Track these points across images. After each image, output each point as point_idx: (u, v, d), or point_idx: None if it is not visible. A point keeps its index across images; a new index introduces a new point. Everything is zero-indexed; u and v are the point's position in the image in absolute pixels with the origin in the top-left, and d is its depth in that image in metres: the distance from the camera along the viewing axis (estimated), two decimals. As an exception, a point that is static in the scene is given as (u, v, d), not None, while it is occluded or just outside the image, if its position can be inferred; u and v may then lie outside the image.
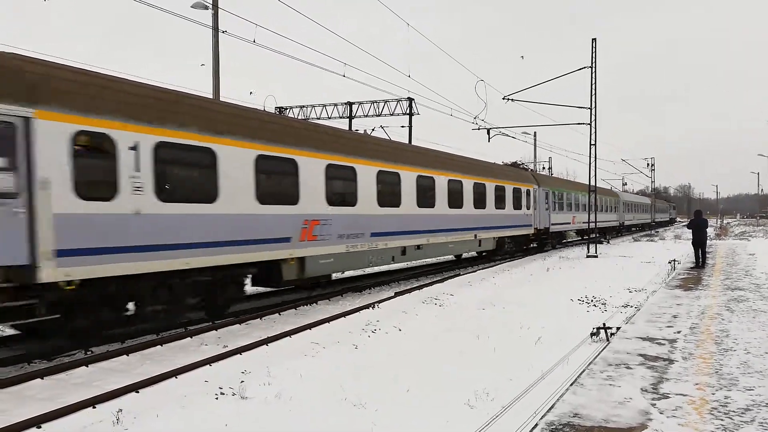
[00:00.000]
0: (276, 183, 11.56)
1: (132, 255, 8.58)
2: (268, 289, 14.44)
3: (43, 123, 7.51)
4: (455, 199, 18.56)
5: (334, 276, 15.39)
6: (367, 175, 14.09)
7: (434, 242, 17.45)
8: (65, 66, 8.41)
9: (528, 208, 25.19)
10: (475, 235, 20.18)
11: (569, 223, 31.33)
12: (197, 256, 9.63)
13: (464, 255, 22.81)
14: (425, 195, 16.76)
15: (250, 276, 11.75)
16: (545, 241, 28.69)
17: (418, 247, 16.70)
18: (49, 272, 7.50)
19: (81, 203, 7.93)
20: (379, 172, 14.61)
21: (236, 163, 10.36)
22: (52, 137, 7.61)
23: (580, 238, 37.52)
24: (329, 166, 12.81)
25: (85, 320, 8.46)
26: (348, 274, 18.24)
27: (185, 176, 9.64)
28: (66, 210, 7.75)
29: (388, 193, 15.00)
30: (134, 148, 8.64)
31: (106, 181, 8.33)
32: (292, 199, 11.81)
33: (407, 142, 30.34)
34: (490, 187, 21.24)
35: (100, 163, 8.32)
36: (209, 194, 9.88)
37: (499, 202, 22.10)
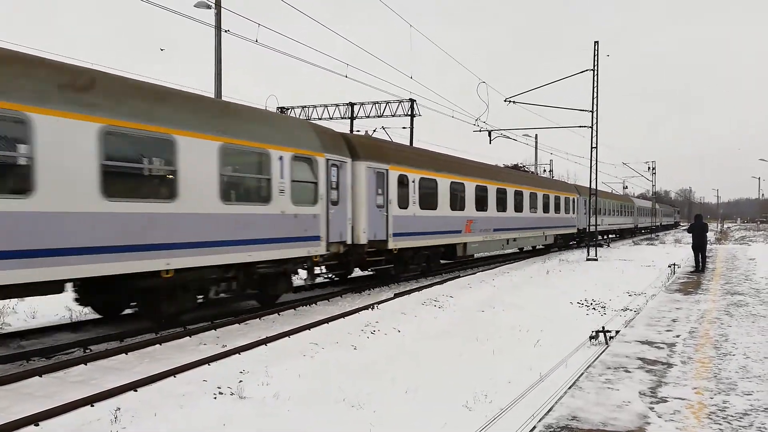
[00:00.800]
0: (459, 196, 19.06)
1: (415, 236, 16.37)
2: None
3: (392, 172, 15.41)
4: (533, 206, 26.39)
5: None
6: (492, 191, 21.84)
7: (522, 236, 25.23)
8: (367, 137, 17.04)
9: (573, 213, 32.90)
10: (543, 232, 27.85)
11: (599, 225, 37.67)
12: (436, 238, 17.68)
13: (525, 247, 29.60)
14: (518, 204, 24.50)
15: (443, 251, 18.86)
16: (584, 238, 34.29)
17: (515, 239, 24.46)
18: (391, 243, 15.14)
19: (401, 210, 15.57)
20: (498, 189, 22.32)
21: (448, 187, 18.23)
22: (392, 177, 15.31)
23: (605, 237, 44.07)
24: (477, 186, 20.48)
25: (403, 266, 16.51)
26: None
27: (425, 194, 16.97)
28: (396, 214, 15.37)
29: (501, 202, 22.63)
30: (404, 181, 15.94)
31: (406, 199, 15.93)
32: (462, 206, 19.27)
33: (409, 143, 30.39)
34: (551, 197, 29.05)
35: (405, 189, 15.90)
36: (434, 205, 17.45)
37: (557, 208, 29.83)
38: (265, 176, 11.01)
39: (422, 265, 17.57)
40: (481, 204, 20.54)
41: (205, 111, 10.20)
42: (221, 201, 10.00)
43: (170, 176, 9.21)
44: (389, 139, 22.09)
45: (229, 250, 10.21)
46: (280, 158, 11.28)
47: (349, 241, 13.68)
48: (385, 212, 14.91)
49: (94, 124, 8.10)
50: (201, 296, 10.48)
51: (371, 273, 16.17)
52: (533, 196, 26.27)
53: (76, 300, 10.07)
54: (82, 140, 7.93)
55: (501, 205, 22.51)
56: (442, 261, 19.41)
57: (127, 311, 10.88)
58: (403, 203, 15.72)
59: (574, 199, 33.07)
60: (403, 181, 15.76)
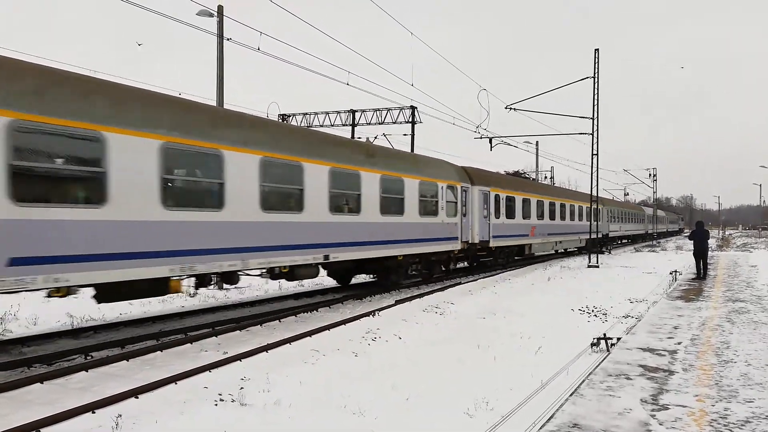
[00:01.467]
0: (527, 209, 25.23)
1: (504, 238, 22.24)
2: (272, 296, 14.97)
3: (492, 192, 21.37)
4: (572, 215, 32.97)
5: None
6: (547, 204, 28.22)
7: (565, 239, 31.78)
8: (478, 169, 21.74)
9: (600, 221, 39.08)
10: (578, 237, 34.12)
11: (617, 231, 46.75)
12: (515, 240, 23.95)
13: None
14: (562, 214, 30.99)
15: (516, 249, 25.41)
16: (604, 242, 39.82)
17: (560, 242, 31.15)
18: (492, 243, 21.05)
19: (495, 220, 21.46)
20: (549, 203, 28.70)
21: (522, 202, 24.33)
22: (492, 196, 21.23)
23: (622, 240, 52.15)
24: (537, 201, 26.84)
25: (501, 257, 23.18)
26: (356, 279, 18.49)
27: (508, 207, 23.05)
28: (493, 222, 21.39)
29: (551, 213, 29.01)
30: (498, 199, 21.99)
31: (498, 211, 21.99)
32: (529, 216, 25.50)
33: (410, 150, 30.45)
34: (584, 208, 35.10)
35: (497, 205, 21.65)
36: (513, 215, 23.37)
37: (588, 217, 34.83)
38: (436, 199, 17.28)
39: (503, 260, 24.07)
40: (540, 214, 27.19)
41: (399, 159, 16.35)
42: (419, 215, 16.22)
43: (366, 198, 14.00)
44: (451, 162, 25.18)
45: (423, 245, 16.60)
46: (441, 187, 17.63)
47: (470, 241, 19.80)
48: (488, 221, 20.99)
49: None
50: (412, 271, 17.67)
51: (483, 261, 22.66)
52: (572, 207, 33.12)
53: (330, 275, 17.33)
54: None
55: (552, 215, 29.07)
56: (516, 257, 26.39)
57: (360, 281, 18.66)
58: (497, 215, 21.97)
59: (599, 209, 39.82)
60: (497, 199, 22.01)
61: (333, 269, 16.18)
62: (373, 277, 17.95)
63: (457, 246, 18.62)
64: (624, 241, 51.60)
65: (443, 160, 19.67)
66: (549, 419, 5.64)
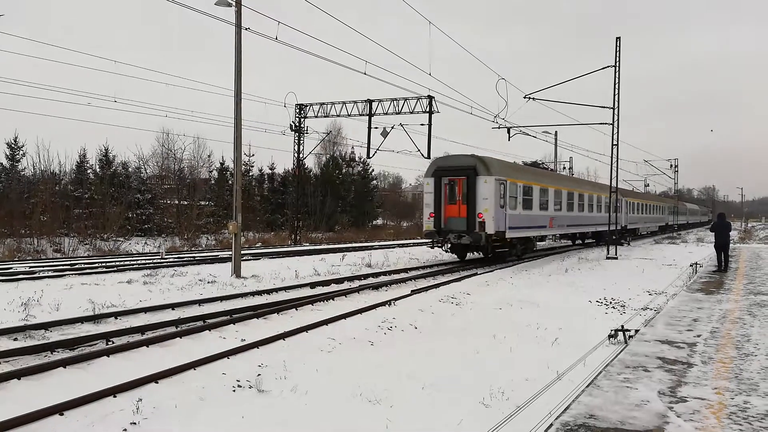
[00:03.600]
0: (543, 198, 25.58)
1: (529, 229, 24.19)
2: (286, 285, 14.92)
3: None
4: (591, 206, 33.02)
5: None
6: (565, 194, 28.73)
7: (585, 232, 34.34)
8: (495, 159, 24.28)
9: (620, 213, 39.42)
10: (596, 228, 33.92)
11: (638, 223, 48.24)
12: (533, 231, 24.87)
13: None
14: (581, 205, 31.21)
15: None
16: (622, 233, 40.22)
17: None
18: (509, 234, 21.84)
19: (502, 210, 21.93)
20: (568, 193, 28.99)
21: (540, 193, 25.22)
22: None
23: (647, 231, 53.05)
24: (556, 191, 27.24)
25: (515, 250, 23.75)
26: (364, 270, 18.51)
27: (525, 199, 23.96)
28: (512, 213, 22.74)
29: (569, 204, 29.26)
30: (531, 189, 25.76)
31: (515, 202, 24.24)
32: (546, 206, 26.01)
33: (427, 140, 30.36)
34: (603, 198, 34.29)
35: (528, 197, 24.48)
36: (533, 205, 24.67)
37: (607, 209, 33.85)
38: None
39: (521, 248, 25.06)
40: (557, 205, 26.99)
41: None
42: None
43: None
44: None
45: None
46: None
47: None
48: (504, 211, 21.28)
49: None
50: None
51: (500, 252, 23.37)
52: (591, 198, 32.68)
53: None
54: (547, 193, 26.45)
55: (570, 206, 28.91)
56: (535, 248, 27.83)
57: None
58: (514, 205, 22.29)
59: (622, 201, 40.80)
60: (514, 189, 22.11)
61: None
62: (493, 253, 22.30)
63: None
64: (644, 233, 51.45)
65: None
66: (565, 410, 5.61)
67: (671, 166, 67.33)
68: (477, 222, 20.37)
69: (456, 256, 23.25)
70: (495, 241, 20.93)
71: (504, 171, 21.59)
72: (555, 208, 26.51)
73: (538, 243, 29.57)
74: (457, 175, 21.04)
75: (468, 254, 22.99)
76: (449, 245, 21.35)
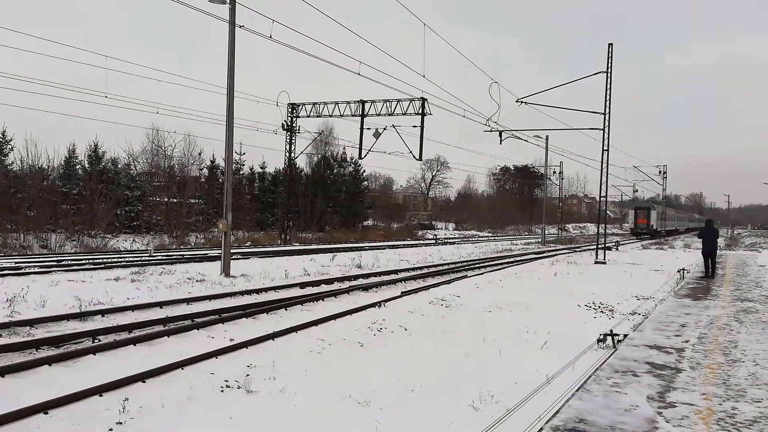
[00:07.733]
0: None
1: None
2: (275, 285, 14.85)
3: None
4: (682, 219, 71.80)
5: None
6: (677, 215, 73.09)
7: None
8: None
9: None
10: None
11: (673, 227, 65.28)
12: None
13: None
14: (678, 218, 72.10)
15: None
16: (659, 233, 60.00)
17: None
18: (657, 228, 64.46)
19: None
20: None
21: None
22: None
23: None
24: None
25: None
26: (354, 271, 18.47)
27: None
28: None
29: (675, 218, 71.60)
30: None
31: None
32: None
33: (419, 142, 30.35)
34: None
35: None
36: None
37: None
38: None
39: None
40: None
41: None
42: None
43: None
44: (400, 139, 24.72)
45: None
46: None
47: None
48: None
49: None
50: None
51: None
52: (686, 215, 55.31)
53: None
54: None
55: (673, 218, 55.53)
56: None
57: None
58: None
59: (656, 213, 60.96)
60: None
61: None
62: None
63: None
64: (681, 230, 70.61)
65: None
66: (555, 414, 5.61)
67: (660, 172, 67.90)
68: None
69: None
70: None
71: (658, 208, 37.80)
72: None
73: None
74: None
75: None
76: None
